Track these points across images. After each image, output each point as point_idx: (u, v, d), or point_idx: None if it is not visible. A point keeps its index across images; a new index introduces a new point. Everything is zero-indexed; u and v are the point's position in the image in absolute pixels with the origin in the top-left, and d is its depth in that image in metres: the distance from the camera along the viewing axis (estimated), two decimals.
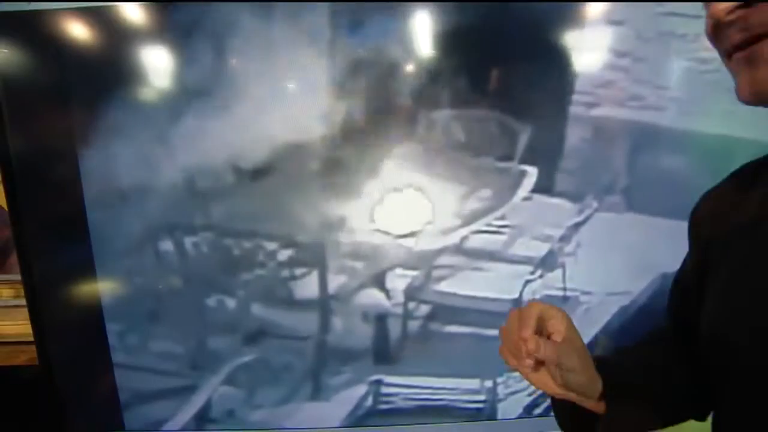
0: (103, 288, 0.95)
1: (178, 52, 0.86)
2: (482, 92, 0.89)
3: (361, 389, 1.00)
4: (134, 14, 0.84)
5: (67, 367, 0.98)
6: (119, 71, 0.86)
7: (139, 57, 0.86)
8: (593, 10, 0.86)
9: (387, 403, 1.01)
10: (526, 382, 1.02)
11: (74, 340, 0.98)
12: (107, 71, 0.86)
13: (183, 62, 0.87)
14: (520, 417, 1.03)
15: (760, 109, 0.98)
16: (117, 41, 0.85)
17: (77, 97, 0.87)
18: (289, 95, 0.88)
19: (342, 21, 0.85)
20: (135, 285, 0.95)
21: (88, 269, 0.94)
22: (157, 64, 0.87)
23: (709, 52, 0.88)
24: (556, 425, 0.56)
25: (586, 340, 1.03)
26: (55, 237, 0.94)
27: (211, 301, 0.94)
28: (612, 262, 0.97)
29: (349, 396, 1.00)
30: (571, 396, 0.48)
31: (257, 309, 0.95)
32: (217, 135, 0.88)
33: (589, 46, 0.87)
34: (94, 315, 0.95)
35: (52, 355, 0.97)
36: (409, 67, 0.87)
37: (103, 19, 0.84)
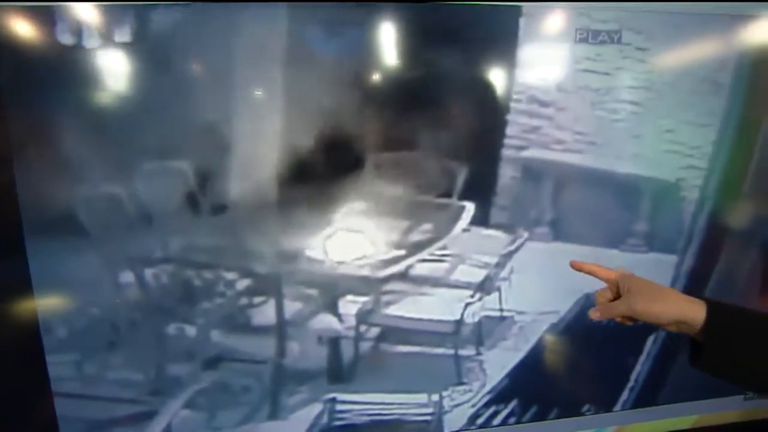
0: (41, 309, 0.88)
1: (123, 59, 0.83)
2: (424, 136, 0.98)
3: (317, 407, 1.06)
4: (76, 15, 0.78)
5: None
6: (59, 75, 0.81)
7: (81, 60, 0.81)
8: (522, 66, 0.97)
9: (341, 419, 1.08)
10: (468, 395, 1.13)
11: (8, 365, 0.91)
12: (46, 74, 0.81)
13: (128, 70, 0.84)
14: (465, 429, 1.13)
15: (661, 153, 1.13)
16: (58, 43, 0.79)
17: (12, 101, 0.81)
18: (245, 133, 0.94)
19: (295, 59, 0.90)
20: (75, 306, 0.91)
21: (23, 289, 0.87)
22: (102, 68, 0.82)
23: (619, 104, 1.02)
24: None
25: (521, 354, 1.15)
26: None
27: (171, 329, 0.98)
28: (542, 285, 1.09)
29: (305, 414, 1.06)
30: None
31: (217, 335, 1.00)
32: (175, 171, 0.93)
33: (518, 98, 0.99)
34: (30, 339, 0.89)
35: None
36: (361, 112, 0.95)
37: (42, 18, 0.78)
